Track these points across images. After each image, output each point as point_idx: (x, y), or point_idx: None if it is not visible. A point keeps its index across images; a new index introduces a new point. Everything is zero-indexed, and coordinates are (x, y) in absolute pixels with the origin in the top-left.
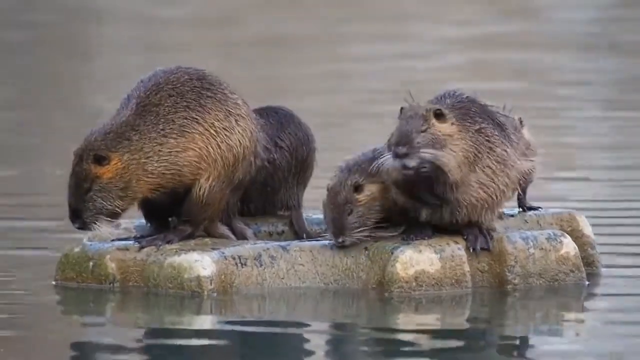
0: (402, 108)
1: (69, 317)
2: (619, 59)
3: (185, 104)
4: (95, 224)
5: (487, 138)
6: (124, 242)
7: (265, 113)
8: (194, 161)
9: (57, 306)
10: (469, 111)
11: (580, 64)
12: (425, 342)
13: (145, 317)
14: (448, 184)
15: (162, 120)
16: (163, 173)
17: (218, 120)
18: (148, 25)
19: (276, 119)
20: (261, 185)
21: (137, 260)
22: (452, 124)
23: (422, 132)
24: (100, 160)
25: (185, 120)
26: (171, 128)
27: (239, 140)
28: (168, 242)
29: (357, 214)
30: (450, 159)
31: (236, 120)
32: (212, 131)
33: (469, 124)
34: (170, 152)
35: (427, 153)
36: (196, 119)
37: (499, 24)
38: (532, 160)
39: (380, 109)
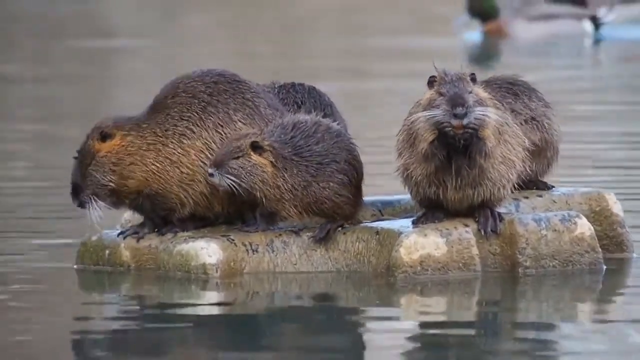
0: (432, 76)
1: (87, 296)
2: None
3: (188, 114)
4: (91, 203)
5: (503, 112)
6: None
7: (285, 90)
8: (175, 185)
9: (76, 286)
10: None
11: None
12: (425, 328)
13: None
14: (484, 150)
15: (169, 120)
16: (153, 173)
17: (214, 142)
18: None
19: (292, 99)
20: None
21: (151, 248)
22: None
23: (470, 92)
24: (105, 137)
25: (186, 130)
26: (173, 132)
27: None
28: (162, 233)
29: None
30: (491, 121)
31: None
32: (207, 154)
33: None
34: (166, 159)
35: (480, 112)
36: (194, 133)
37: None
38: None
39: None
